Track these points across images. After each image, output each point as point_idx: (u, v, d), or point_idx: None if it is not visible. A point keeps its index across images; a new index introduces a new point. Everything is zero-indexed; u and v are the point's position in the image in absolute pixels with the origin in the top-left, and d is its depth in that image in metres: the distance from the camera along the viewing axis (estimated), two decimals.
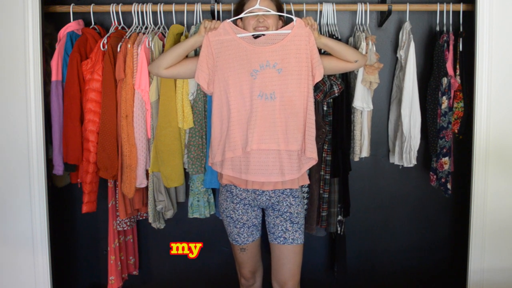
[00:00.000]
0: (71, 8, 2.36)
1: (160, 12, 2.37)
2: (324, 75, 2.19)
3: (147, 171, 2.35)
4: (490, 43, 2.23)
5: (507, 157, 2.29)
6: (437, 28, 2.45)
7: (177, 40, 2.30)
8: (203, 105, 2.31)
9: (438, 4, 2.40)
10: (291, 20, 2.08)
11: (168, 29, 2.34)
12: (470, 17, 2.35)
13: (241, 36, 2.05)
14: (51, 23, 2.43)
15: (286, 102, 2.03)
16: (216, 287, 2.82)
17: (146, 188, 2.40)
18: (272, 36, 2.05)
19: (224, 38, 2.06)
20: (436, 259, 2.78)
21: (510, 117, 2.28)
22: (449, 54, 2.38)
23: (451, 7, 2.39)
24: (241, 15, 2.08)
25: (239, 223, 2.14)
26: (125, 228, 2.50)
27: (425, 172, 2.64)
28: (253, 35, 2.06)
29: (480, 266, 2.35)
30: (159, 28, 2.39)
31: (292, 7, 2.34)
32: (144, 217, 2.57)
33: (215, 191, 2.49)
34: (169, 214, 2.43)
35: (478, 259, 2.34)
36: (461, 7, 2.38)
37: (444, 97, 2.38)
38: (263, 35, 2.05)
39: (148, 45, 2.26)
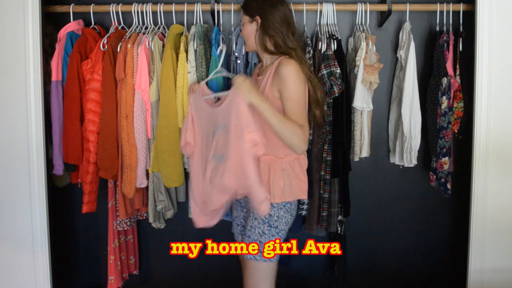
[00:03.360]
0: (71, 8, 2.36)
1: (160, 12, 2.37)
2: (324, 76, 2.19)
3: (147, 171, 2.35)
4: (490, 43, 2.24)
5: (507, 157, 2.29)
6: (437, 28, 2.45)
7: (177, 40, 2.30)
8: None
9: (438, 4, 2.40)
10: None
11: (168, 29, 2.34)
12: (470, 17, 2.35)
13: (205, 98, 2.08)
14: (51, 23, 2.43)
15: (232, 164, 1.85)
16: (216, 287, 2.82)
17: (146, 188, 2.40)
18: (222, 97, 2.02)
19: (198, 99, 2.11)
20: (436, 259, 2.78)
21: (510, 117, 2.28)
22: (449, 54, 2.38)
23: (451, 7, 2.39)
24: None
25: (233, 217, 2.22)
26: (125, 228, 2.50)
27: (425, 172, 2.64)
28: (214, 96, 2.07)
29: (480, 266, 2.35)
30: (159, 28, 2.39)
31: (292, 7, 2.33)
32: (144, 217, 2.57)
33: None
34: (169, 214, 2.43)
35: (478, 259, 2.35)
36: (461, 7, 2.38)
37: (444, 97, 2.37)
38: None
39: (148, 45, 2.26)
